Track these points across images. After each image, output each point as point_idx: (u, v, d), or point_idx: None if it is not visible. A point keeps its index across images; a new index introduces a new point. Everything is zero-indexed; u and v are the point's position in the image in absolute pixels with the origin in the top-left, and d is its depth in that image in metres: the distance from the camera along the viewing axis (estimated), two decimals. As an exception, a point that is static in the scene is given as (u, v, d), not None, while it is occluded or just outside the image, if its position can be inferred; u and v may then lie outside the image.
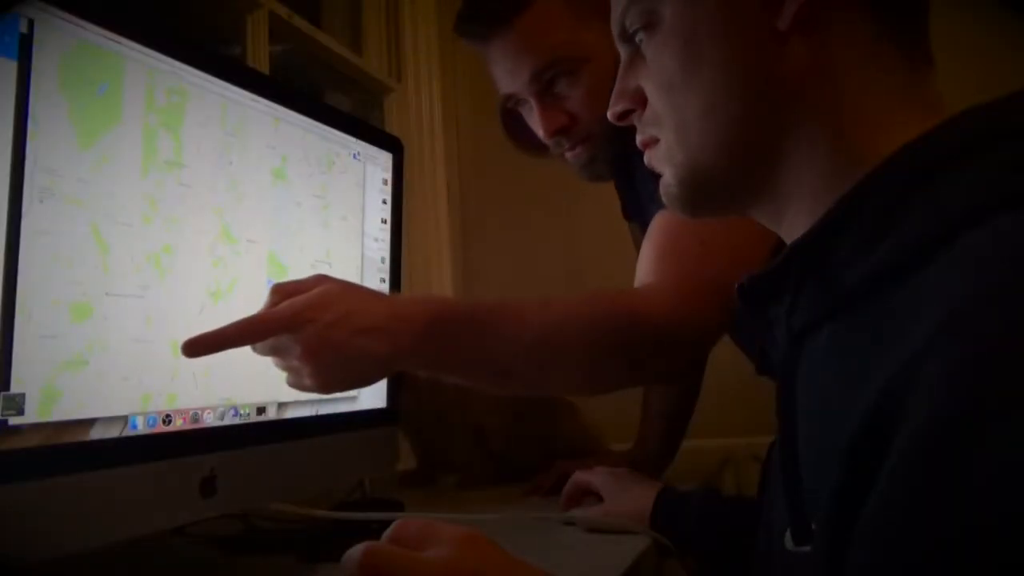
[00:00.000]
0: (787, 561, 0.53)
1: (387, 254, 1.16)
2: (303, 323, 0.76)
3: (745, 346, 1.17)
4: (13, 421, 0.64)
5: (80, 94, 0.70)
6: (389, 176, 1.17)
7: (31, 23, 0.66)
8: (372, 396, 1.09)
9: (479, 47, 1.16)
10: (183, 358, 0.78)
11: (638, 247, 1.05)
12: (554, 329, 0.86)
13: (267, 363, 0.82)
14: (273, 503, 1.02)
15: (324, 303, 0.77)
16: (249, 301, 0.88)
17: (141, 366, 0.76)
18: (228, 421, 0.87)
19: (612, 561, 0.88)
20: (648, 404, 1.49)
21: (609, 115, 0.66)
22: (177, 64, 0.81)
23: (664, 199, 0.63)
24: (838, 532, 0.44)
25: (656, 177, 0.64)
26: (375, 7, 2.22)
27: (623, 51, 0.64)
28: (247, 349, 0.80)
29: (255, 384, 0.91)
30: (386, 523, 0.50)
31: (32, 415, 0.66)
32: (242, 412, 0.89)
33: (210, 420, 0.85)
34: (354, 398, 1.07)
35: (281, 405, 0.95)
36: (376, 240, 1.13)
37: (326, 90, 2.08)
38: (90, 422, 0.71)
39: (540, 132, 1.17)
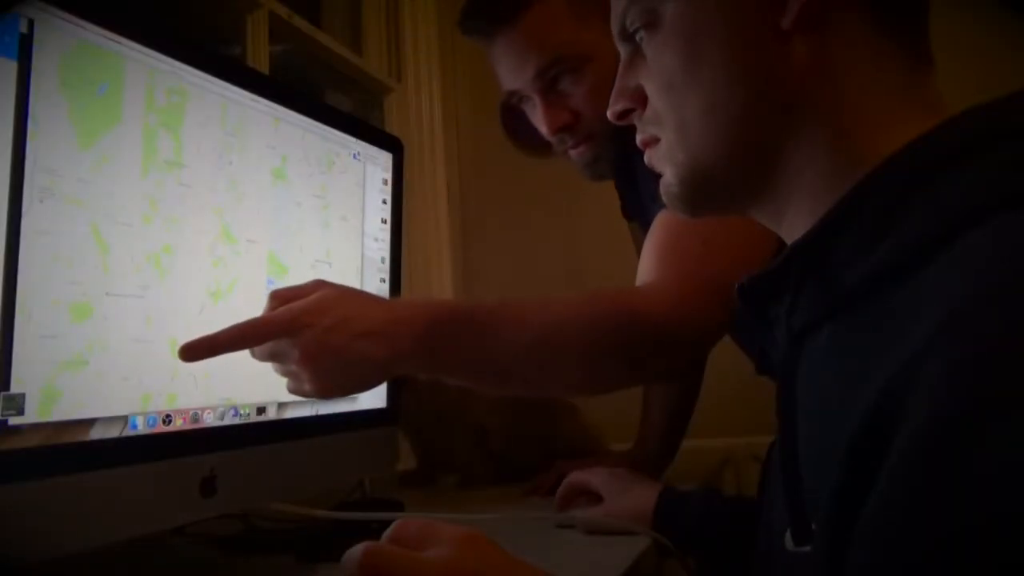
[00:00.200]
0: (787, 561, 0.53)
1: (387, 254, 1.16)
2: (301, 328, 0.76)
3: (745, 346, 1.17)
4: (13, 421, 0.64)
5: (80, 94, 0.70)
6: (389, 176, 1.17)
7: (31, 23, 0.66)
8: (372, 396, 1.08)
9: (483, 44, 1.16)
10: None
11: (639, 247, 1.05)
12: (554, 329, 0.86)
13: (267, 364, 0.82)
14: (273, 503, 1.02)
15: (322, 308, 0.77)
16: (249, 301, 0.88)
17: (141, 366, 0.76)
18: (228, 421, 0.87)
19: (612, 561, 0.88)
20: (648, 404, 1.49)
21: (609, 114, 0.66)
22: (177, 64, 0.81)
23: (664, 199, 0.63)
24: (838, 532, 0.44)
25: (656, 177, 0.64)
26: (375, 7, 2.22)
27: (623, 50, 0.64)
28: (247, 350, 0.80)
29: (255, 384, 0.91)
30: (386, 523, 0.50)
31: (32, 415, 0.66)
32: (242, 412, 0.89)
33: (210, 420, 0.85)
34: (354, 398, 1.07)
35: (281, 405, 0.95)
36: (376, 240, 1.13)
37: (326, 90, 2.08)
38: (90, 422, 0.71)
39: (543, 129, 1.17)
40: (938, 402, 0.39)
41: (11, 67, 0.64)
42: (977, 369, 0.39)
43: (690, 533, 0.97)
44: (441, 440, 1.46)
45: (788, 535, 0.53)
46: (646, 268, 0.97)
